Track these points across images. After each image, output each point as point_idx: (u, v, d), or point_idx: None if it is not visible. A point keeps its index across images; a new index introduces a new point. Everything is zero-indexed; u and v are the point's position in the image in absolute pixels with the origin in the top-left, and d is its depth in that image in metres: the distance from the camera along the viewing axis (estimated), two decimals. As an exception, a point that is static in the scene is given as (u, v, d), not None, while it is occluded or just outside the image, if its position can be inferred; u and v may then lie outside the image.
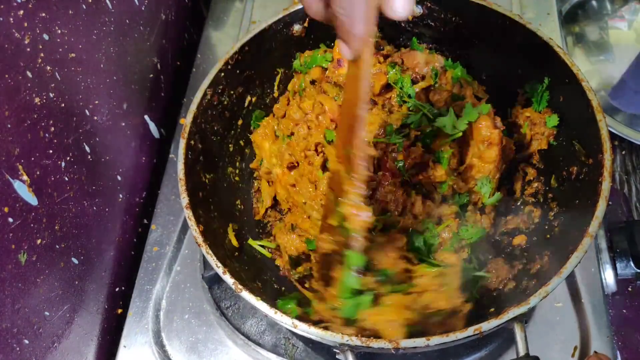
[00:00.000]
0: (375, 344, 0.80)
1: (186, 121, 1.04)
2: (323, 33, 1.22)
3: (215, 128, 1.12)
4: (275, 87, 1.26)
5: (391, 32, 1.24)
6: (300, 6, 1.17)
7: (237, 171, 1.18)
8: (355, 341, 0.80)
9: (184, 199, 0.95)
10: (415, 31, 1.23)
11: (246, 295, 0.86)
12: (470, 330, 0.79)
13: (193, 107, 1.05)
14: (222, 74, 1.11)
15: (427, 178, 1.05)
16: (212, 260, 0.89)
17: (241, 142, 1.20)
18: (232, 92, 1.15)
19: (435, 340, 0.79)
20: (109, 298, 1.16)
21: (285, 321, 0.84)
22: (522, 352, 0.78)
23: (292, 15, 1.18)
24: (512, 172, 1.13)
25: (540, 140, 1.09)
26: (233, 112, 1.17)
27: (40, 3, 0.88)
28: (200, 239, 0.91)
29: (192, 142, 1.03)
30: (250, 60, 1.16)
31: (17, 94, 0.83)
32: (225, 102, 1.14)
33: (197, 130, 1.06)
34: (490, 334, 0.86)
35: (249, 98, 1.20)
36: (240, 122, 1.19)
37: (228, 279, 0.88)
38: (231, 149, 1.17)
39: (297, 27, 1.20)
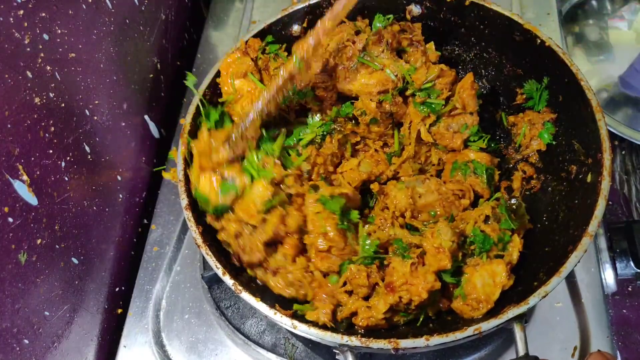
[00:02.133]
0: (374, 344, 0.80)
1: (186, 121, 1.04)
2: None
3: (215, 128, 1.12)
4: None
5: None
6: (299, 6, 1.18)
7: (237, 171, 1.18)
8: (355, 341, 0.81)
9: (184, 200, 0.96)
10: (414, 31, 1.23)
11: (246, 296, 0.86)
12: (470, 331, 0.79)
13: (192, 108, 1.05)
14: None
15: None
16: (212, 261, 0.90)
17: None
18: (231, 92, 1.15)
19: (435, 341, 0.79)
20: (109, 298, 1.16)
21: (285, 322, 0.84)
22: (521, 352, 0.78)
23: (291, 15, 1.18)
24: (512, 171, 1.13)
25: (540, 141, 1.09)
26: (233, 112, 1.17)
27: (40, 3, 0.88)
28: (199, 240, 0.92)
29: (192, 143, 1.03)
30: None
31: (17, 94, 0.83)
32: (225, 102, 1.14)
33: (196, 131, 1.06)
34: (489, 334, 0.86)
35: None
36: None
37: (228, 279, 0.88)
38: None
39: (295, 28, 1.20)
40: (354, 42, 1.08)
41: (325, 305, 0.90)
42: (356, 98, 1.10)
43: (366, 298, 0.92)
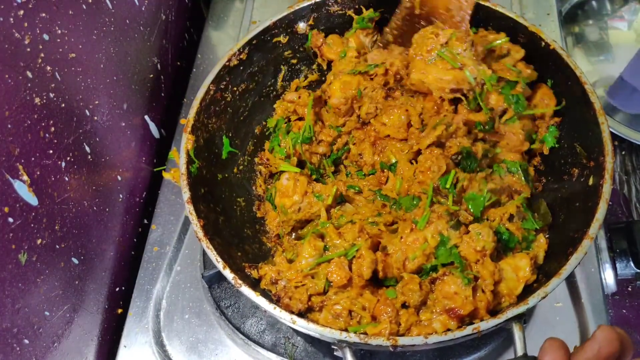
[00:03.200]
0: (373, 340, 0.80)
1: (189, 115, 1.04)
2: (328, 30, 1.23)
3: (218, 124, 1.12)
4: (279, 85, 1.26)
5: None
6: (305, 4, 1.17)
7: (240, 167, 1.18)
8: (354, 338, 0.81)
9: (186, 194, 0.95)
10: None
11: (245, 290, 0.86)
12: (469, 330, 0.79)
13: (196, 103, 1.05)
14: (226, 70, 1.11)
15: None
16: (212, 254, 0.89)
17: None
18: (235, 88, 1.15)
19: (434, 339, 0.80)
20: (109, 298, 1.16)
21: (284, 317, 0.84)
22: (520, 352, 0.78)
23: (297, 12, 1.18)
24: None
25: (543, 145, 1.08)
26: (236, 109, 1.17)
27: (40, 3, 0.88)
28: (200, 233, 0.91)
29: (195, 137, 1.03)
30: (254, 57, 1.16)
31: (17, 94, 0.83)
32: (228, 99, 1.14)
33: (200, 126, 1.06)
34: (490, 333, 0.86)
35: (252, 95, 1.20)
36: (242, 118, 1.19)
37: (228, 273, 0.88)
38: (233, 145, 1.17)
39: (301, 25, 1.20)
40: (437, 35, 1.04)
41: (388, 319, 0.87)
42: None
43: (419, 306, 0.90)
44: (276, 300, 0.92)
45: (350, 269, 0.91)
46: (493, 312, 0.86)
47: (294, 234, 1.09)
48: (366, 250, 0.92)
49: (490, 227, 0.91)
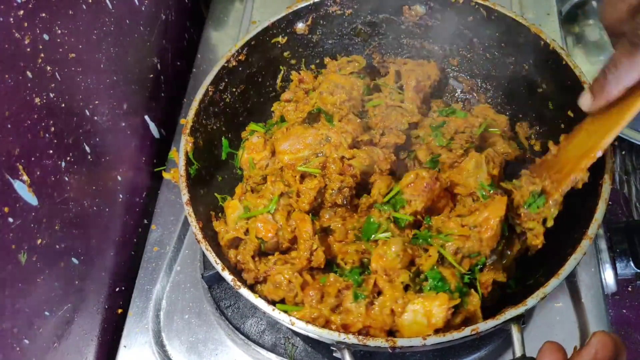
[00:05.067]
0: (371, 342, 0.80)
1: (188, 117, 1.04)
2: (326, 32, 1.23)
3: (217, 125, 1.12)
4: (278, 85, 1.26)
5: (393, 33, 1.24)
6: (304, 4, 1.17)
7: (238, 168, 1.18)
8: (352, 339, 0.81)
9: (185, 196, 0.96)
10: (417, 30, 1.23)
11: (245, 292, 0.86)
12: (467, 331, 0.79)
13: (195, 104, 1.05)
14: (225, 71, 1.11)
15: None
16: (211, 256, 0.90)
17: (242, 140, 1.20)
18: (234, 89, 1.15)
19: (432, 340, 0.79)
20: (109, 298, 1.16)
21: (283, 319, 0.84)
22: (518, 353, 0.78)
23: (296, 12, 1.18)
24: (514, 175, 1.13)
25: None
26: (235, 110, 1.17)
27: (40, 3, 0.88)
28: (199, 236, 0.92)
29: (194, 139, 1.03)
30: (253, 58, 1.16)
31: (17, 94, 0.83)
32: (227, 100, 1.14)
33: (199, 127, 1.06)
34: (489, 333, 0.86)
35: (251, 96, 1.20)
36: (241, 119, 1.19)
37: (227, 275, 0.88)
38: (232, 147, 1.17)
39: (300, 26, 1.20)
40: None
41: (309, 304, 0.89)
42: None
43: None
44: (237, 272, 0.95)
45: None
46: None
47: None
48: (316, 240, 0.95)
49: (408, 249, 0.90)
